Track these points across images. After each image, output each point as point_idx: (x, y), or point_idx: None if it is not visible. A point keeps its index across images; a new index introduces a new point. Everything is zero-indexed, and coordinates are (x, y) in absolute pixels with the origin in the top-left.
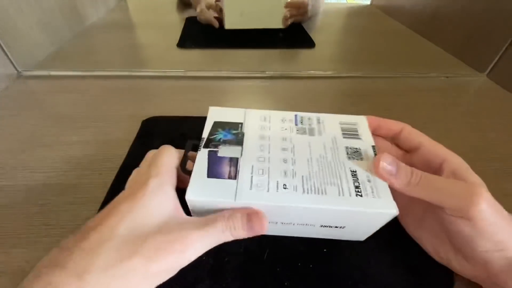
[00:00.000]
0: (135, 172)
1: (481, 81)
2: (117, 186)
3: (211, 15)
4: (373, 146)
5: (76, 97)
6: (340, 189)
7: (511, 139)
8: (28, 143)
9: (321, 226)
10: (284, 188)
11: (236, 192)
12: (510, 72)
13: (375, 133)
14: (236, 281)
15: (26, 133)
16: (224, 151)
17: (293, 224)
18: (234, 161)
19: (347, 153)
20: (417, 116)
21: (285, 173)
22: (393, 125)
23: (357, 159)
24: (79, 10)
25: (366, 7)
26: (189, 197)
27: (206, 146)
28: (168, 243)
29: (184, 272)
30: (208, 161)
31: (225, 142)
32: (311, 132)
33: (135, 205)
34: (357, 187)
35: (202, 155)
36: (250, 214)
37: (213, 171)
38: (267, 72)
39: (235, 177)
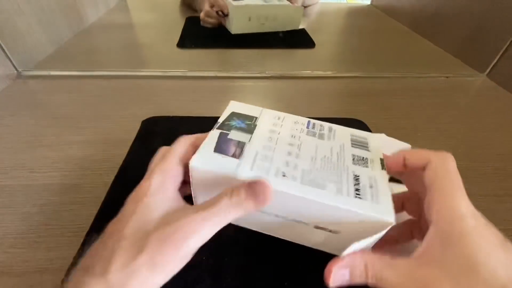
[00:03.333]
0: (151, 163)
1: (481, 81)
2: (117, 186)
3: (213, 18)
4: (381, 159)
5: (76, 97)
6: (340, 187)
7: (511, 139)
8: (28, 143)
9: (315, 227)
10: (283, 175)
11: (237, 168)
12: (510, 72)
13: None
14: (236, 281)
15: (26, 133)
16: (234, 135)
17: (288, 219)
18: (241, 145)
19: (353, 159)
20: (417, 116)
21: (287, 163)
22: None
23: (362, 166)
24: (79, 10)
25: (366, 7)
26: (192, 164)
27: (219, 129)
28: (169, 234)
29: (184, 272)
30: (217, 140)
31: (237, 129)
32: (321, 137)
33: (138, 206)
34: (357, 189)
35: (213, 135)
36: (252, 183)
37: (219, 148)
38: (267, 72)
39: (239, 157)
